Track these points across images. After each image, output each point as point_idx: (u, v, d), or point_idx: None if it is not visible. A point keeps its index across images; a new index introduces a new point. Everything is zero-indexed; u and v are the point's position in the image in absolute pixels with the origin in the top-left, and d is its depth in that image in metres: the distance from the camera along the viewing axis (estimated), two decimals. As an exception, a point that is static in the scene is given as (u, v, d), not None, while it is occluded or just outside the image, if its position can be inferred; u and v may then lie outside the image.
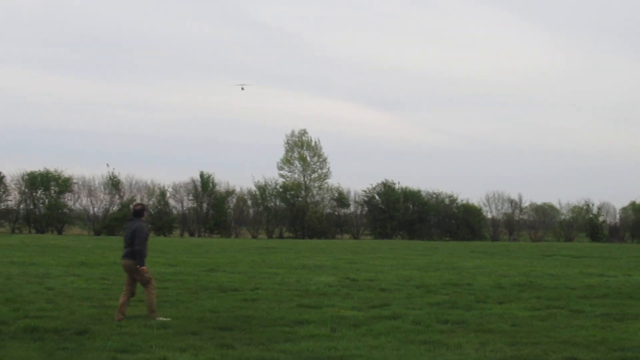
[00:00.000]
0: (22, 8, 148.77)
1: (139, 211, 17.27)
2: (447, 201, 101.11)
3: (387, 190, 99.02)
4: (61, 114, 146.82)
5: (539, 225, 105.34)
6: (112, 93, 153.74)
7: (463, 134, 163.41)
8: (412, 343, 14.36)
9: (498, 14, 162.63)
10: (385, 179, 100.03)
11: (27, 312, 17.01)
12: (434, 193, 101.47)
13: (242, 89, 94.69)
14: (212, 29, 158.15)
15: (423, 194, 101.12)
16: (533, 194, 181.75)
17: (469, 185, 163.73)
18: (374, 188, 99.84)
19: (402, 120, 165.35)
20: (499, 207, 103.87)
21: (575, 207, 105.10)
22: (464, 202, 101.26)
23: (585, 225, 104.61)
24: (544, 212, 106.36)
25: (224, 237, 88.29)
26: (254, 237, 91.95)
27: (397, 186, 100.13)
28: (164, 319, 16.44)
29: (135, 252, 16.67)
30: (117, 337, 14.24)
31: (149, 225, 16.63)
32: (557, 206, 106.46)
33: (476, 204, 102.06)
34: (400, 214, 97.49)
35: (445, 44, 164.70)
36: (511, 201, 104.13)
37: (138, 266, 16.70)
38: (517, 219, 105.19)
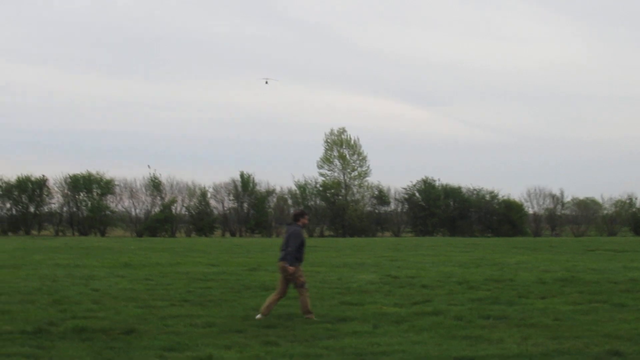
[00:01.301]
0: (61, 10, 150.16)
1: (297, 216, 17.92)
2: (488, 197, 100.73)
3: (428, 187, 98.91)
4: (101, 115, 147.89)
5: (582, 220, 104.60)
6: (152, 94, 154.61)
7: (503, 129, 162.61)
8: (454, 338, 14.51)
9: (536, 7, 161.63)
10: (426, 176, 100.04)
11: (75, 313, 17.33)
12: (475, 189, 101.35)
13: (266, 82, 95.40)
14: (250, 26, 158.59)
15: (464, 190, 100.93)
16: (575, 189, 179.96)
17: (510, 180, 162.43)
18: (414, 185, 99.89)
19: (442, 116, 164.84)
20: (541, 203, 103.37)
21: (618, 201, 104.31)
22: (505, 197, 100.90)
23: (629, 219, 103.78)
24: (586, 207, 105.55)
25: (265, 237, 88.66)
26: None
27: (437, 183, 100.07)
28: (313, 318, 16.90)
29: (287, 254, 17.23)
30: (163, 336, 14.51)
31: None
32: (600, 200, 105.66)
33: (517, 199, 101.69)
34: (441, 210, 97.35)
35: (483, 36, 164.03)
36: (553, 196, 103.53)
37: (286, 266, 17.18)
38: (559, 214, 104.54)
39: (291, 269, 17.07)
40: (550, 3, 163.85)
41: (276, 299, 17.42)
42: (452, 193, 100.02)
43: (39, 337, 14.26)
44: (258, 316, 16.99)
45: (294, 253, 17.19)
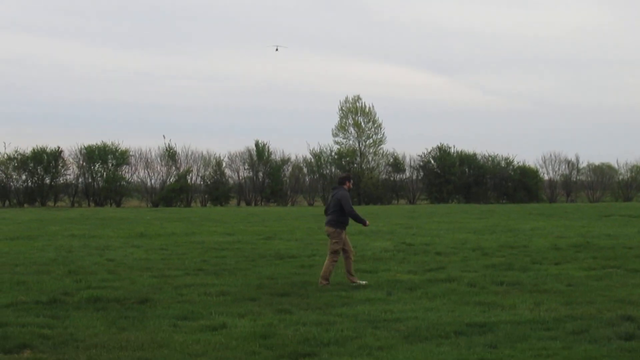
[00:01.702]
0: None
1: (343, 179, 18.38)
2: (503, 164, 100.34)
3: (443, 155, 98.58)
4: (116, 87, 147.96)
5: (597, 186, 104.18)
6: (166, 64, 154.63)
7: (518, 95, 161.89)
8: (467, 304, 14.57)
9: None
10: (441, 143, 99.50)
11: (90, 283, 17.45)
12: (490, 156, 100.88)
13: (277, 49, 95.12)
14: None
15: (479, 157, 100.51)
16: (590, 154, 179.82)
17: (525, 146, 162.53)
18: (429, 152, 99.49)
19: (456, 82, 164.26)
20: (556, 169, 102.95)
21: (634, 166, 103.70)
22: (520, 164, 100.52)
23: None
24: (602, 173, 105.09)
25: (281, 206, 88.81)
26: (310, 204, 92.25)
27: (452, 150, 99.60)
28: (324, 284, 17.21)
29: (351, 217, 17.78)
30: (177, 305, 14.61)
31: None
32: (615, 166, 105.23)
33: (533, 165, 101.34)
34: (457, 177, 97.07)
35: (497, 2, 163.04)
36: (568, 162, 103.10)
37: (337, 231, 17.63)
38: (574, 180, 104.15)
39: (368, 223, 18.10)
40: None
41: (349, 262, 17.72)
42: (467, 160, 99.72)
43: (54, 307, 14.38)
44: (353, 283, 17.38)
45: (354, 213, 17.72)
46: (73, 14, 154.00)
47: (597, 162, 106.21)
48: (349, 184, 18.20)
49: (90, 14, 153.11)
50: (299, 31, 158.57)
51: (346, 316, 13.51)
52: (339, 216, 17.62)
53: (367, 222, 17.92)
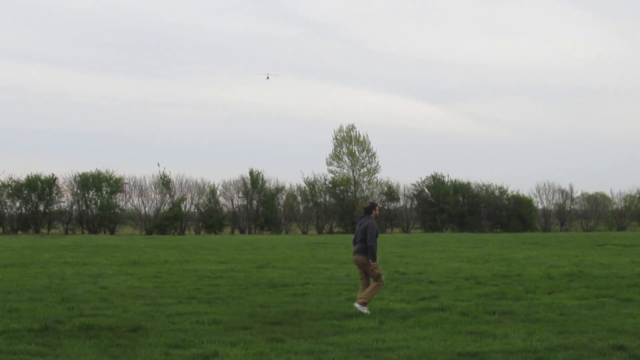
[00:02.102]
0: (74, 9, 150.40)
1: (369, 209, 18.43)
2: (497, 193, 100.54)
3: (437, 183, 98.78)
4: (111, 114, 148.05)
5: (591, 215, 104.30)
6: (161, 92, 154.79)
7: (512, 124, 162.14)
8: (459, 334, 14.57)
9: (544, 1, 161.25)
10: (435, 172, 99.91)
11: (82, 311, 17.43)
12: (484, 185, 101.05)
13: (267, 77, 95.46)
14: (256, 24, 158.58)
15: (473, 186, 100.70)
16: (585, 184, 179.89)
17: (519, 176, 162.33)
18: (424, 181, 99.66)
19: (450, 112, 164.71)
20: (550, 198, 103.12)
21: (628, 195, 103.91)
22: (515, 193, 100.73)
23: (639, 214, 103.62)
24: (596, 202, 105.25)
25: (275, 234, 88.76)
26: (304, 233, 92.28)
27: (446, 179, 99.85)
28: (364, 311, 17.18)
29: (367, 248, 17.67)
30: (169, 333, 14.59)
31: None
32: (610, 195, 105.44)
33: (527, 195, 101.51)
34: (451, 206, 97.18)
35: (491, 33, 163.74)
36: (562, 191, 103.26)
37: (370, 261, 17.61)
38: (568, 209, 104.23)
39: (375, 264, 17.62)
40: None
41: (364, 289, 17.87)
42: (461, 189, 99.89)
43: (46, 335, 14.36)
44: (365, 310, 17.31)
45: (375, 247, 17.66)
46: (68, 43, 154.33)
47: (591, 191, 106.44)
48: (375, 212, 18.32)
49: (85, 43, 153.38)
50: (293, 60, 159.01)
51: (338, 345, 13.51)
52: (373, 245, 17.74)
53: (376, 264, 17.74)
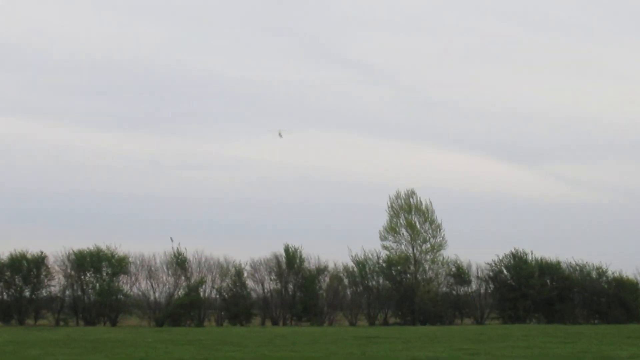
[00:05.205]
0: (75, 64, 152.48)
1: None
2: (594, 274, 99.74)
3: (518, 263, 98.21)
4: (113, 177, 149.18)
5: None
6: (174, 150, 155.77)
7: (609, 187, 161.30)
8: None
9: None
10: (515, 248, 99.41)
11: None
12: (577, 264, 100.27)
13: (280, 135, 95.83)
14: (293, 71, 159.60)
15: (563, 265, 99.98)
16: None
17: (622, 253, 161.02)
18: (501, 260, 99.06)
19: (533, 174, 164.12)
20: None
21: None
22: (616, 274, 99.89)
23: None
24: None
25: (315, 325, 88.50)
26: (352, 324, 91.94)
27: (530, 257, 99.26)
28: None
29: None
30: None
31: None
32: None
33: (631, 276, 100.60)
34: (535, 291, 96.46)
35: (577, 79, 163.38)
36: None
37: None
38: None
39: None
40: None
41: None
42: (548, 269, 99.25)
43: None
44: None
45: None
46: (64, 95, 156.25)
47: None
48: None
49: (84, 95, 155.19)
50: (338, 111, 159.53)
51: None
52: None
53: None
